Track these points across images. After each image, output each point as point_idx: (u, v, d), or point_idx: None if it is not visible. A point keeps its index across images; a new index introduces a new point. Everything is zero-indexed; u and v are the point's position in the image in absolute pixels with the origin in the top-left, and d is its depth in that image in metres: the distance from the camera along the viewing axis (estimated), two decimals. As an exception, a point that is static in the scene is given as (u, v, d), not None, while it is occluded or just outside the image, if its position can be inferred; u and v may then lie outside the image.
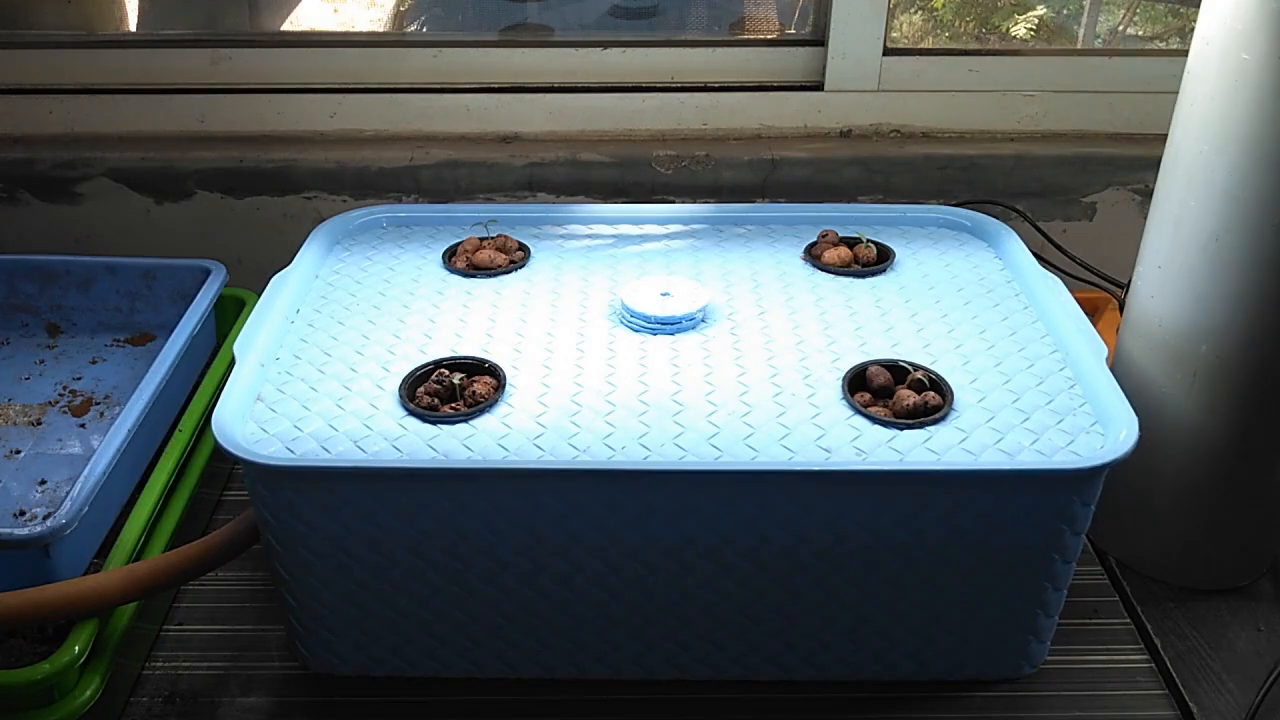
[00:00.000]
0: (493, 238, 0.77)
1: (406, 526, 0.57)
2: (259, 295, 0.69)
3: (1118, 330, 0.73)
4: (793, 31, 1.02)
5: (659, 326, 0.67)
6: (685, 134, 0.98)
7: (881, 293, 0.72)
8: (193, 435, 0.72)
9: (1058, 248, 0.92)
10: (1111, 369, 0.63)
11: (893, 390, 0.61)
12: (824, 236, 0.77)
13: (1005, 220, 0.81)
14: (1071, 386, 0.62)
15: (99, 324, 0.86)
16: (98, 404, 0.78)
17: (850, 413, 0.59)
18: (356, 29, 1.12)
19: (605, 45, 0.97)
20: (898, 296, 0.71)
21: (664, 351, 0.65)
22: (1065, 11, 1.12)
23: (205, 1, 1.08)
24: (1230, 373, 0.63)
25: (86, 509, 0.60)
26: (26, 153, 0.95)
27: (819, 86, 0.97)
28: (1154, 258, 0.67)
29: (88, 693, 0.57)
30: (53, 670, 0.55)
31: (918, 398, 0.59)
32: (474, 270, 0.74)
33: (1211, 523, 0.69)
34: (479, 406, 0.59)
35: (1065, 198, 0.97)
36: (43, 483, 0.70)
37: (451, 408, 0.60)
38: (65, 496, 0.60)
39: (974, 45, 1.09)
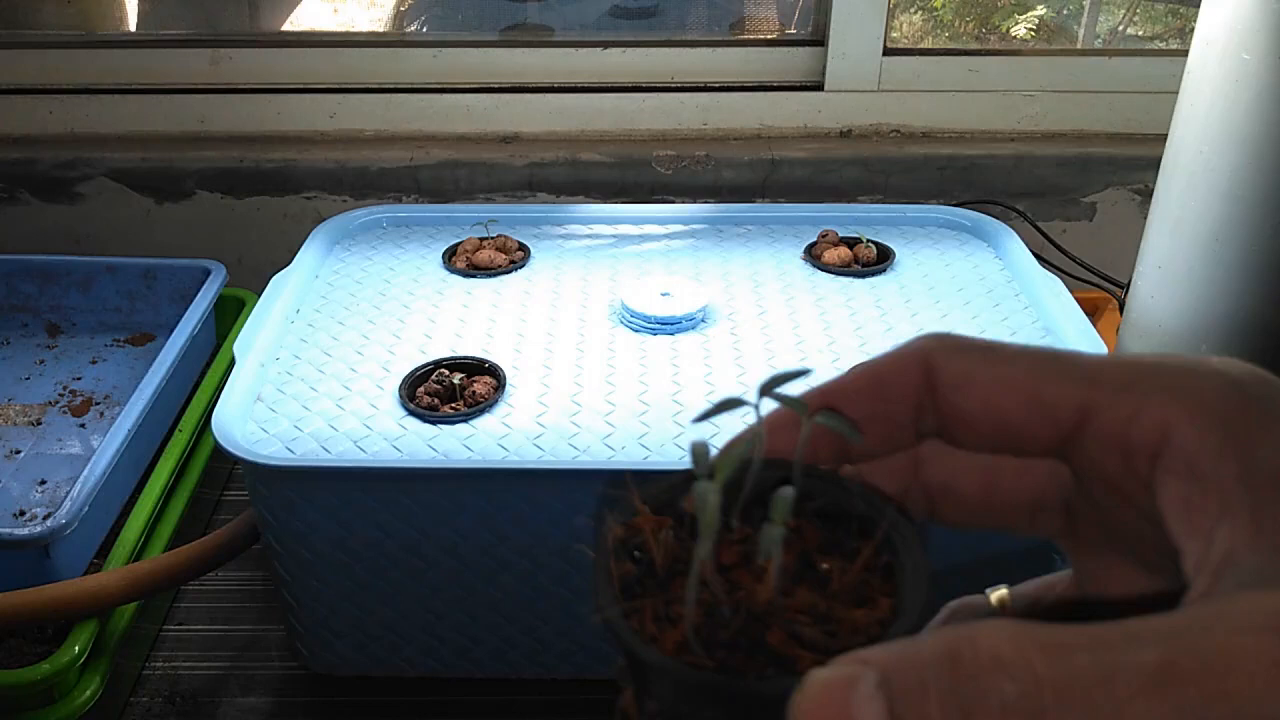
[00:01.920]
0: (493, 238, 0.77)
1: (406, 526, 0.57)
2: (259, 295, 0.69)
3: (1118, 330, 0.73)
4: (793, 31, 1.02)
5: (659, 326, 0.67)
6: (685, 134, 0.98)
7: (881, 293, 0.72)
8: (193, 435, 0.72)
9: (1058, 248, 0.92)
10: (1111, 369, 0.62)
11: (893, 390, 0.61)
12: (824, 236, 0.77)
13: (1005, 220, 0.81)
14: (1071, 386, 0.62)
15: (99, 324, 0.86)
16: (98, 404, 0.78)
17: (850, 413, 0.59)
18: (356, 29, 1.12)
19: (605, 45, 0.97)
20: (898, 296, 0.71)
21: (664, 351, 0.65)
22: (1065, 11, 1.12)
23: (205, 1, 1.08)
24: (1230, 373, 0.63)
25: (86, 509, 0.60)
26: (26, 153, 0.95)
27: (819, 86, 0.97)
28: (1154, 258, 0.67)
29: (88, 693, 0.57)
30: (53, 670, 0.55)
31: (918, 398, 0.59)
32: (474, 270, 0.74)
33: (1211, 523, 0.69)
34: (479, 406, 0.59)
35: (1065, 198, 0.97)
36: (43, 483, 0.70)
37: (451, 408, 0.60)
38: (65, 496, 0.60)
39: (974, 45, 1.09)
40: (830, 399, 0.24)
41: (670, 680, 0.20)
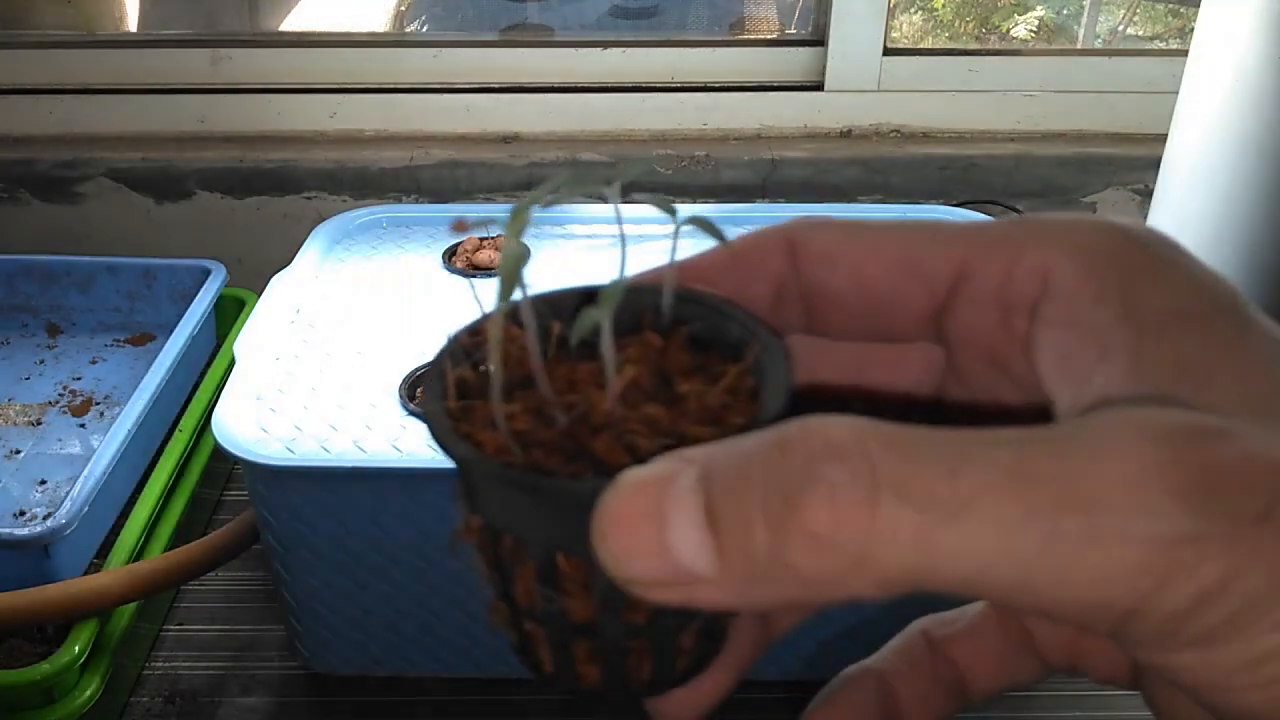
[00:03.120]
0: (493, 238, 0.77)
1: (407, 526, 0.57)
2: (259, 295, 0.69)
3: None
4: (793, 31, 1.02)
5: (659, 326, 0.67)
6: (685, 134, 0.98)
7: (881, 293, 0.71)
8: (193, 435, 0.72)
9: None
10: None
11: (893, 390, 0.61)
12: (824, 236, 0.77)
13: (1005, 220, 0.81)
14: (1071, 386, 0.62)
15: (99, 324, 0.86)
16: (98, 404, 0.78)
17: (850, 413, 0.59)
18: (356, 29, 1.12)
19: (605, 45, 0.97)
20: (898, 296, 0.71)
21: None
22: (1065, 11, 1.12)
23: (205, 1, 1.08)
24: (1230, 373, 0.63)
25: (86, 509, 0.60)
26: (26, 153, 0.95)
27: (819, 87, 0.97)
28: (1154, 258, 0.67)
29: (88, 693, 0.57)
30: (52, 670, 0.55)
31: (918, 398, 0.59)
32: (474, 270, 0.74)
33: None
34: (479, 406, 0.59)
35: (1065, 198, 0.97)
36: (43, 483, 0.70)
37: (451, 408, 0.59)
38: (65, 496, 0.60)
39: (974, 45, 1.08)
40: (689, 275, 0.22)
41: (480, 480, 0.18)
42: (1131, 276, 0.18)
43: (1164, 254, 0.19)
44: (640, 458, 0.17)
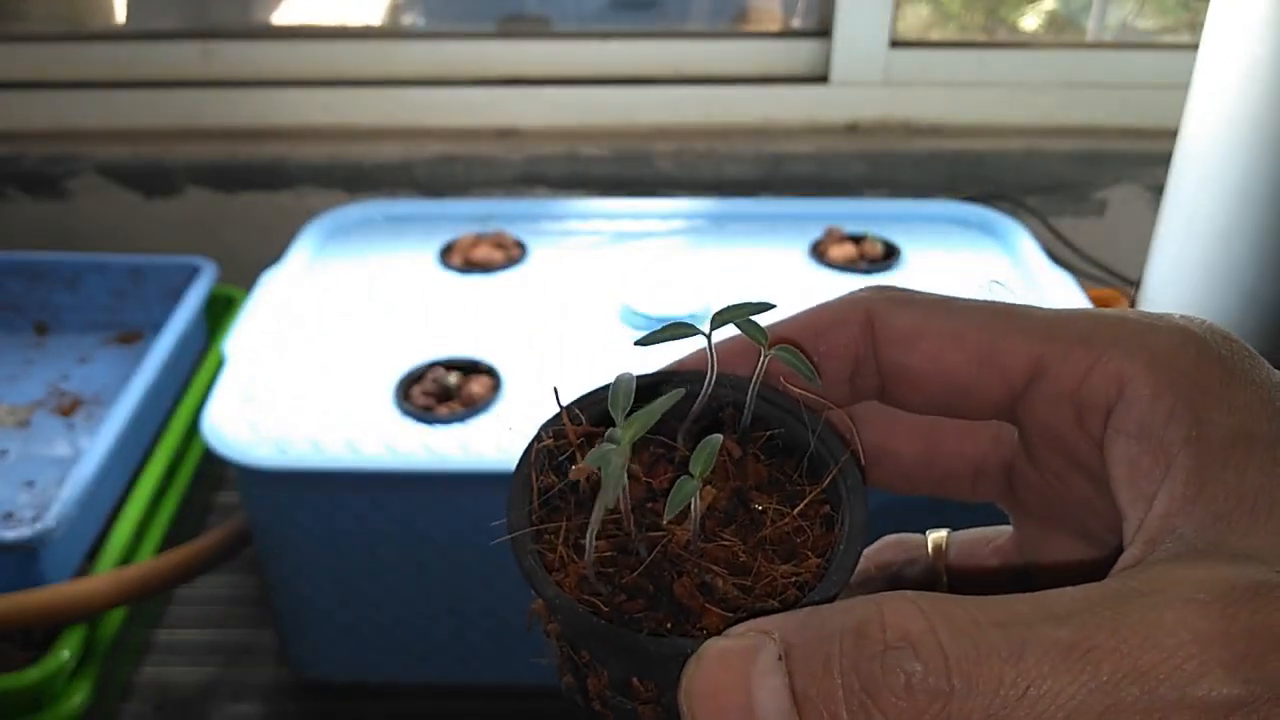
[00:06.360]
0: (490, 234, 0.75)
1: (401, 530, 0.56)
2: (250, 293, 0.68)
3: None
4: (797, 23, 1.00)
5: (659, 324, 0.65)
6: (687, 128, 0.96)
7: (888, 290, 0.70)
8: (183, 436, 0.71)
9: (1067, 244, 0.91)
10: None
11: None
12: (829, 233, 0.76)
13: (1014, 216, 0.79)
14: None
15: (87, 323, 0.85)
16: (86, 404, 0.77)
17: (858, 413, 0.58)
18: (350, 21, 1.10)
19: (605, 37, 0.96)
20: (905, 293, 0.70)
21: (665, 350, 0.63)
22: (1075, 3, 1.10)
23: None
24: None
25: (75, 511, 0.59)
26: (13, 148, 0.94)
27: (824, 79, 0.95)
28: (1166, 255, 0.65)
29: (76, 700, 0.56)
30: (41, 676, 0.54)
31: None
32: (470, 267, 0.72)
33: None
34: (475, 407, 0.58)
35: (1076, 193, 0.96)
36: (30, 484, 0.69)
37: (448, 408, 0.58)
38: (53, 499, 0.59)
39: (982, 37, 1.07)
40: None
41: (565, 616, 0.19)
42: (1203, 394, 0.19)
43: (1237, 368, 0.19)
44: (718, 599, 0.19)
